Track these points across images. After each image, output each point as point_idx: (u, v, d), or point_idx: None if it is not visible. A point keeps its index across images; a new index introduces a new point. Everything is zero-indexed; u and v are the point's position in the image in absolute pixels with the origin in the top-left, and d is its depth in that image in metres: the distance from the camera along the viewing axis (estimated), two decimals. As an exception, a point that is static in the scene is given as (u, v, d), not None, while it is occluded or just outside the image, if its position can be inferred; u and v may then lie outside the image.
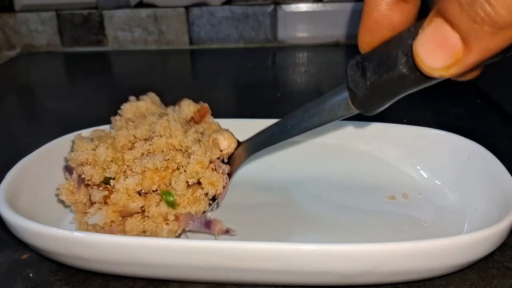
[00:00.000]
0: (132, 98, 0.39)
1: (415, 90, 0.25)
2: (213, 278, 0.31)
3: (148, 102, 0.39)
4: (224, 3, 0.84)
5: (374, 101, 0.27)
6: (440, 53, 0.22)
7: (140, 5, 0.85)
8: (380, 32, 0.26)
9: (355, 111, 0.29)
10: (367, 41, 0.27)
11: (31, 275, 0.33)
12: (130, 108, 0.38)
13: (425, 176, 0.41)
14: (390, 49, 0.25)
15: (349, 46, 0.85)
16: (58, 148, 0.41)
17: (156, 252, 0.29)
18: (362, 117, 0.44)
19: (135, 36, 0.87)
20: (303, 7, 0.84)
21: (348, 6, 0.83)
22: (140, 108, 0.38)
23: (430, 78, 0.24)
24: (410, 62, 0.24)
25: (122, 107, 0.38)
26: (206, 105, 0.39)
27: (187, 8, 0.85)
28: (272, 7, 0.84)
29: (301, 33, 0.86)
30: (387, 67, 0.25)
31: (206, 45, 0.87)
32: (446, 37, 0.22)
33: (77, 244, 0.29)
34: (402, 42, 0.25)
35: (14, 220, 0.31)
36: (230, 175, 0.36)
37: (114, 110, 0.38)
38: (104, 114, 0.40)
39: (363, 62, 0.27)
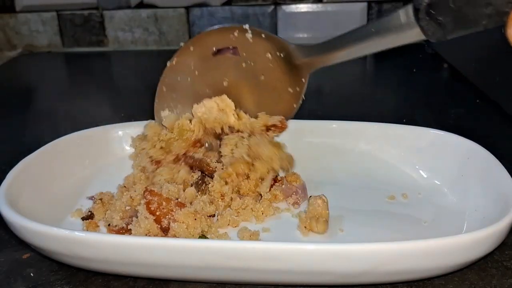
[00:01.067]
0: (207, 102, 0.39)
1: None
2: (213, 278, 0.31)
3: (215, 111, 0.39)
4: (224, 4, 0.85)
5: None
6: None
7: (140, 5, 0.85)
8: None
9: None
10: None
11: (31, 274, 0.33)
12: (202, 114, 0.39)
13: (425, 176, 0.41)
14: (463, 6, 0.29)
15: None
16: (58, 148, 0.41)
17: (156, 252, 0.29)
18: (362, 117, 0.45)
19: (135, 37, 0.87)
20: (303, 7, 0.84)
21: (348, 6, 0.83)
22: (211, 115, 0.39)
23: None
24: (493, 21, 0.29)
25: (194, 109, 0.39)
26: (286, 123, 0.40)
27: (187, 8, 0.85)
28: (272, 7, 0.84)
29: (301, 33, 0.86)
30: (466, 25, 0.30)
31: (206, 45, 0.87)
32: None
33: (78, 244, 0.29)
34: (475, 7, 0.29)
35: (15, 219, 0.31)
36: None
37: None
38: (104, 114, 0.40)
39: (434, 16, 0.31)
